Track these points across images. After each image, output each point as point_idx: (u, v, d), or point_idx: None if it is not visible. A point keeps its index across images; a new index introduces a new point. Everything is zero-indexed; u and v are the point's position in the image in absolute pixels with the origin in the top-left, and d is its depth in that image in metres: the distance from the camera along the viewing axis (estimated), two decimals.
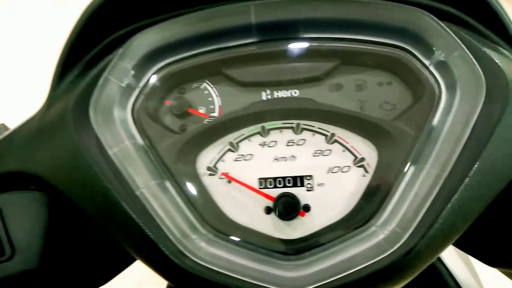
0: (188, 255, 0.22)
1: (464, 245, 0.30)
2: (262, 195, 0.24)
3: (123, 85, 0.24)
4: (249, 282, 0.21)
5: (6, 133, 0.28)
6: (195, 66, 0.25)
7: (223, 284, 0.21)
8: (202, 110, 0.25)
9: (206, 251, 0.22)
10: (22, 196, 0.28)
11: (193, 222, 0.23)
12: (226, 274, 0.21)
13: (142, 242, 0.23)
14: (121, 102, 0.24)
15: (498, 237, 0.27)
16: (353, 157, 0.24)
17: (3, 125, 0.32)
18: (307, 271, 0.21)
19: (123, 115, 0.24)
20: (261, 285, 0.21)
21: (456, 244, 0.31)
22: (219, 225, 0.23)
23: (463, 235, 0.28)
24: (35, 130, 0.27)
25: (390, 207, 0.22)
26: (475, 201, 0.22)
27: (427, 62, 0.23)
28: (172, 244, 0.22)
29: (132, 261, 0.31)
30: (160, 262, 0.23)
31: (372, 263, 0.21)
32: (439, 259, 0.41)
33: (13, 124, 0.30)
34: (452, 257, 0.42)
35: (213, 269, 0.22)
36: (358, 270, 0.21)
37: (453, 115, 0.22)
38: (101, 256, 0.29)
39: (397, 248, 0.21)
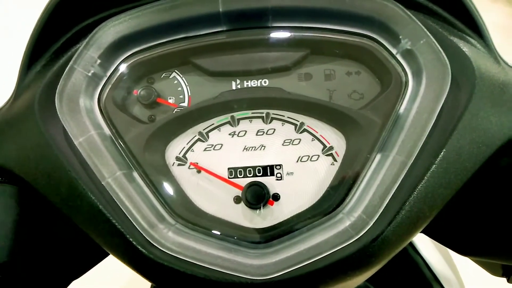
0: (156, 245, 0.22)
1: (435, 234, 0.30)
2: (231, 185, 0.23)
3: (89, 74, 0.24)
4: (216, 270, 0.21)
5: None
6: (163, 55, 0.25)
7: (190, 273, 0.21)
8: (171, 100, 0.25)
9: (174, 241, 0.22)
10: None
11: (160, 212, 0.23)
12: (193, 263, 0.21)
13: (110, 232, 0.23)
14: (87, 91, 0.24)
15: (468, 226, 0.28)
16: (322, 146, 0.24)
17: None
18: (274, 259, 0.21)
19: (90, 104, 0.24)
20: (228, 273, 0.21)
21: (427, 233, 0.31)
22: (188, 215, 0.23)
23: (433, 224, 0.28)
24: (2, 122, 0.26)
25: (357, 194, 0.22)
26: (441, 188, 0.22)
27: (394, 51, 0.24)
28: (139, 234, 0.22)
29: (105, 254, 0.30)
30: (128, 253, 0.22)
31: (338, 249, 0.21)
32: (416, 251, 0.41)
33: None
34: (429, 249, 0.42)
35: (180, 259, 0.21)
36: (323, 257, 0.21)
37: (419, 102, 0.22)
38: (72, 249, 0.29)
39: (363, 234, 0.21)
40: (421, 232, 0.31)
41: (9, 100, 0.27)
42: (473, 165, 0.23)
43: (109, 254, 0.31)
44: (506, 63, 0.25)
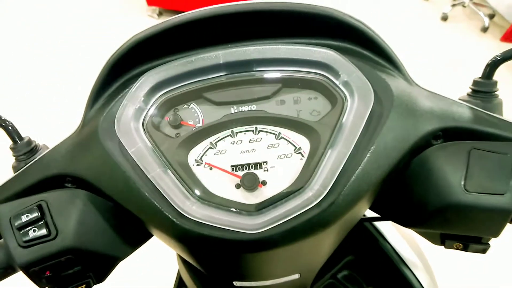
0: (185, 215, 0.32)
1: (382, 211, 0.41)
2: (233, 176, 0.35)
3: (136, 107, 0.36)
4: (226, 229, 0.32)
5: (50, 148, 0.40)
6: (184, 93, 0.37)
7: (208, 233, 0.32)
8: (190, 122, 0.37)
9: (197, 212, 0.33)
10: (62, 192, 0.38)
11: (187, 195, 0.34)
12: (210, 225, 0.32)
13: (153, 211, 0.33)
14: (135, 118, 0.36)
15: (403, 202, 0.38)
16: (293, 147, 0.35)
17: (45, 145, 0.43)
18: (263, 219, 0.32)
19: (137, 126, 0.35)
20: (232, 230, 0.32)
21: (376, 211, 0.41)
22: (204, 196, 0.34)
23: (379, 202, 0.39)
24: (74, 143, 0.38)
25: (317, 176, 0.33)
26: (374, 170, 0.33)
27: (337, 82, 0.36)
28: (173, 209, 0.33)
29: (148, 236, 0.41)
30: (165, 224, 0.33)
31: (305, 211, 0.32)
32: (385, 239, 0.51)
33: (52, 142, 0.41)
34: (396, 238, 0.52)
35: (202, 223, 0.32)
36: (295, 216, 0.32)
37: (354, 113, 0.34)
38: (124, 231, 0.40)
39: (321, 200, 0.32)
40: (371, 209, 0.42)
41: (77, 129, 0.39)
42: (396, 154, 0.34)
43: (151, 237, 0.41)
44: (417, 84, 0.37)
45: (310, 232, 0.32)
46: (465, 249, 0.38)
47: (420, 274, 0.51)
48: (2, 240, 0.38)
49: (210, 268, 0.39)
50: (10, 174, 0.40)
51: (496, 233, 0.35)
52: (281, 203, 0.33)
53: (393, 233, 0.52)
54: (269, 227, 0.31)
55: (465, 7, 3.37)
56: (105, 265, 0.40)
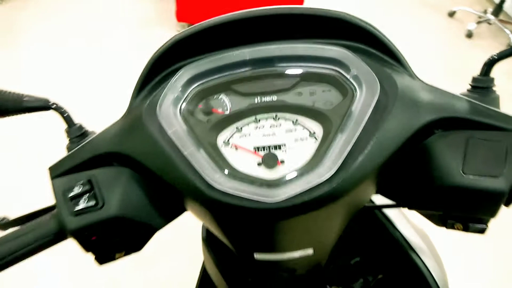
0: (214, 186, 0.38)
1: (389, 194, 0.45)
2: (256, 155, 0.40)
3: (175, 96, 0.42)
4: (247, 198, 0.37)
5: (99, 131, 0.46)
6: (215, 85, 0.43)
7: (235, 202, 0.37)
8: (220, 110, 0.42)
9: (225, 184, 0.38)
10: (108, 170, 0.44)
11: (216, 170, 0.39)
12: (234, 195, 0.37)
13: (187, 184, 0.38)
14: (174, 105, 0.41)
15: (408, 185, 0.43)
16: (308, 132, 0.40)
17: (93, 131, 0.50)
18: (281, 191, 0.36)
19: (175, 112, 0.41)
20: (254, 199, 0.36)
21: (383, 194, 0.46)
22: (231, 172, 0.39)
23: (386, 186, 0.43)
24: (120, 127, 0.45)
25: (328, 155, 0.38)
26: (379, 152, 0.38)
27: (348, 76, 0.41)
28: (204, 182, 0.38)
29: (182, 210, 0.46)
30: (198, 194, 0.38)
31: (317, 185, 0.36)
32: (394, 227, 0.55)
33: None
34: (405, 226, 0.56)
35: (227, 193, 0.37)
36: (309, 189, 0.36)
37: (361, 103, 0.39)
38: (161, 205, 0.45)
39: (331, 176, 0.36)
40: (379, 193, 0.46)
41: (123, 115, 0.46)
42: (399, 139, 0.39)
43: (183, 211, 0.47)
44: (419, 79, 0.42)
45: (321, 204, 0.37)
46: (465, 229, 0.42)
47: (429, 261, 0.55)
48: (55, 210, 0.44)
49: (233, 238, 0.44)
50: (64, 154, 0.46)
51: (492, 214, 0.39)
52: (296, 178, 0.38)
53: (402, 221, 0.56)
54: (286, 198, 0.36)
55: (490, 24, 3.37)
56: (143, 234, 0.45)
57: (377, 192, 0.46)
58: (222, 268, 0.67)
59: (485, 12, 3.35)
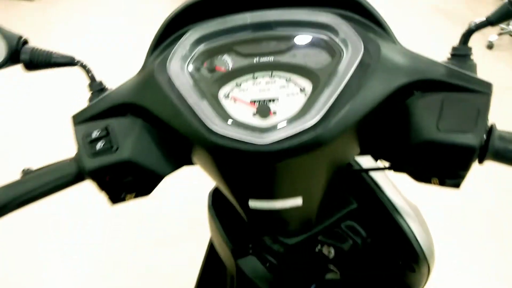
0: (214, 131, 0.42)
1: (372, 152, 0.50)
2: (252, 106, 0.45)
3: (184, 54, 0.47)
4: (241, 141, 0.42)
5: (118, 85, 0.52)
6: (219, 46, 0.48)
7: (230, 144, 0.42)
8: (222, 68, 0.48)
9: (223, 129, 0.42)
10: (123, 119, 0.50)
11: (217, 118, 0.44)
12: (231, 138, 0.42)
13: (191, 129, 0.44)
14: (182, 61, 0.47)
15: (389, 142, 0.47)
16: (299, 88, 0.45)
17: (112, 88, 0.56)
18: (271, 136, 0.41)
19: (183, 67, 0.47)
20: (247, 142, 0.41)
21: (367, 152, 0.50)
22: (229, 120, 0.44)
23: (370, 144, 0.48)
24: (135, 81, 0.51)
25: (314, 107, 0.42)
26: (360, 107, 0.42)
27: (336, 40, 0.46)
28: (206, 127, 0.43)
29: (187, 160, 0.52)
30: (200, 138, 0.43)
31: (303, 131, 0.41)
32: (382, 191, 0.59)
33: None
34: (392, 191, 0.60)
35: (225, 136, 0.42)
36: (295, 134, 0.41)
37: (346, 62, 0.43)
38: (169, 153, 0.51)
39: (315, 124, 0.41)
40: (365, 154, 0.51)
41: (138, 71, 0.52)
42: (379, 97, 0.43)
43: (189, 161, 0.52)
44: (401, 45, 0.47)
45: (305, 148, 0.42)
46: (441, 183, 0.46)
47: (414, 226, 0.58)
48: (75, 154, 0.50)
49: (230, 183, 0.49)
50: (85, 105, 0.53)
51: (465, 168, 0.44)
52: (285, 126, 0.42)
53: (390, 186, 0.60)
54: (275, 141, 0.41)
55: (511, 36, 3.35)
56: (151, 179, 0.51)
57: (362, 152, 0.51)
58: (227, 232, 0.72)
59: (508, 24, 3.34)
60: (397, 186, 0.61)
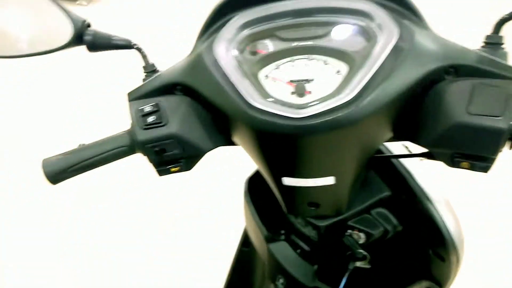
0: (254, 106, 0.46)
1: (403, 134, 0.52)
2: (290, 85, 0.48)
3: (228, 38, 0.52)
4: (280, 114, 0.45)
5: (169, 66, 0.58)
6: (261, 31, 0.52)
7: (269, 118, 0.45)
8: (264, 51, 0.52)
9: (262, 105, 0.45)
10: (172, 97, 0.55)
11: (257, 95, 0.47)
12: (270, 112, 0.45)
13: (234, 106, 0.47)
14: (227, 44, 0.51)
15: (421, 125, 0.49)
16: (335, 70, 0.48)
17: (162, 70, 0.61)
18: (306, 111, 0.44)
19: (228, 49, 0.51)
20: (285, 116, 0.44)
21: (399, 136, 0.52)
22: (268, 97, 0.47)
23: (402, 127, 0.50)
24: (185, 63, 0.56)
25: (348, 87, 0.45)
26: (393, 89, 0.45)
27: (372, 25, 0.48)
28: (247, 103, 0.46)
29: (228, 139, 0.56)
30: (241, 113, 0.47)
31: (336, 106, 0.44)
32: (414, 179, 0.60)
33: None
34: (424, 178, 0.61)
35: (265, 111, 0.45)
36: (329, 109, 0.44)
37: (381, 46, 0.46)
38: (211, 130, 0.55)
39: (348, 101, 0.43)
40: (396, 139, 0.53)
41: (188, 55, 0.57)
42: (412, 81, 0.45)
43: (229, 139, 0.56)
44: (432, 29, 0.49)
45: (339, 124, 0.44)
46: (472, 167, 0.47)
47: (445, 213, 0.59)
48: (129, 127, 0.55)
49: (267, 159, 0.52)
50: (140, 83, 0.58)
51: (494, 152, 0.45)
52: (320, 103, 0.45)
53: (422, 174, 0.61)
54: (310, 115, 0.44)
55: None
56: (194, 154, 0.55)
57: (393, 137, 0.53)
58: (261, 217, 0.76)
59: None
60: (429, 175, 0.62)
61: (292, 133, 0.46)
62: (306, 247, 0.69)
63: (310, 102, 0.46)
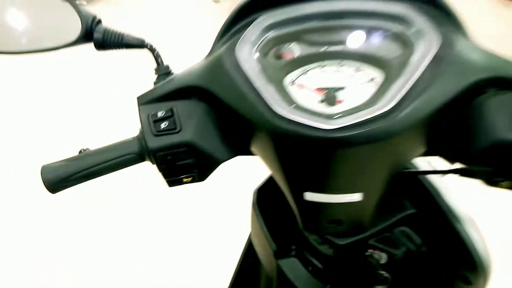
0: (279, 115, 0.42)
1: (439, 151, 0.48)
2: (318, 93, 0.44)
3: (252, 40, 0.48)
4: (307, 125, 0.41)
5: (185, 69, 0.53)
6: (288, 34, 0.48)
7: (295, 128, 0.41)
8: (290, 55, 0.48)
9: (288, 114, 0.41)
10: (187, 102, 0.51)
11: (282, 103, 0.43)
12: (297, 122, 0.41)
13: (256, 113, 0.43)
14: (251, 46, 0.47)
15: (458, 140, 0.45)
16: (369, 78, 0.44)
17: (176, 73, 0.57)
18: (338, 122, 0.40)
19: (251, 52, 0.47)
20: (314, 126, 0.40)
21: (433, 152, 0.48)
22: (294, 105, 0.43)
23: (437, 142, 0.46)
24: (202, 66, 0.51)
25: (384, 98, 0.41)
26: (431, 101, 0.41)
27: (410, 31, 0.45)
28: (271, 111, 0.42)
29: (246, 148, 0.51)
30: (265, 121, 0.43)
31: (371, 117, 0.40)
32: (442, 197, 0.57)
33: None
34: (452, 196, 0.57)
35: (291, 120, 0.41)
36: (363, 120, 0.40)
37: (420, 55, 0.42)
38: (229, 140, 0.51)
39: (385, 112, 0.40)
40: (431, 154, 0.49)
41: (205, 57, 0.52)
42: (452, 92, 0.41)
43: (248, 148, 0.52)
44: (475, 42, 0.46)
45: (374, 137, 0.40)
46: None
47: (473, 234, 0.55)
48: (138, 133, 0.51)
49: (289, 172, 0.48)
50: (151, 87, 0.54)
51: None
52: (353, 113, 0.41)
53: (448, 190, 0.57)
54: (341, 126, 0.40)
55: None
56: (209, 164, 0.51)
57: (427, 152, 0.49)
58: (270, 231, 0.71)
59: None
60: (456, 192, 0.58)
61: (322, 146, 0.42)
62: (319, 265, 0.65)
63: (342, 112, 0.42)
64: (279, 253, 0.70)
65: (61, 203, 2.13)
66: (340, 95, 0.44)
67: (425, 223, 0.58)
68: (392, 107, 0.40)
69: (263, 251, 0.77)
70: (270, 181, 0.75)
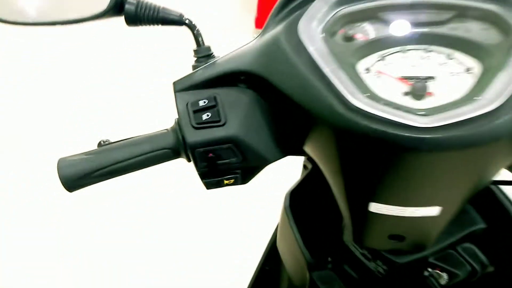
0: (355, 108, 0.34)
1: None
2: (404, 83, 0.36)
3: (318, 17, 0.40)
4: (395, 120, 0.32)
5: (235, 49, 0.45)
6: (362, 11, 0.40)
7: (375, 125, 0.33)
8: (364, 36, 0.40)
9: (366, 106, 0.34)
10: (233, 89, 0.43)
11: (358, 92, 0.35)
12: (378, 117, 0.33)
13: (323, 103, 0.35)
14: (316, 25, 0.39)
15: None
16: (464, 67, 0.36)
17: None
18: (433, 118, 0.32)
19: (317, 31, 0.39)
20: (402, 123, 0.32)
21: None
22: (373, 97, 0.35)
23: None
24: (252, 48, 0.43)
25: (488, 91, 0.33)
26: None
27: (511, 15, 0.37)
28: (343, 103, 0.34)
29: (300, 146, 0.44)
30: (335, 114, 0.35)
31: (479, 115, 0.32)
32: None
33: None
34: None
35: (370, 114, 0.33)
36: (469, 118, 0.32)
37: None
38: (281, 136, 0.43)
39: (495, 108, 0.32)
40: None
41: (257, 37, 0.44)
42: None
43: (301, 147, 0.44)
44: None
45: (479, 140, 0.32)
46: None
47: None
48: (174, 124, 0.43)
49: (352, 180, 0.41)
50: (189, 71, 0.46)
51: None
52: (451, 108, 0.33)
53: None
54: (440, 125, 0.32)
55: None
56: (255, 164, 0.44)
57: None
58: (304, 240, 0.64)
59: None
60: None
61: (409, 148, 0.34)
62: (361, 282, 0.57)
63: (436, 108, 0.34)
64: (313, 265, 0.62)
65: (61, 203, 2.06)
66: (430, 86, 0.36)
67: (494, 239, 0.51)
68: (501, 105, 0.32)
69: (293, 260, 0.69)
70: (304, 183, 0.67)
